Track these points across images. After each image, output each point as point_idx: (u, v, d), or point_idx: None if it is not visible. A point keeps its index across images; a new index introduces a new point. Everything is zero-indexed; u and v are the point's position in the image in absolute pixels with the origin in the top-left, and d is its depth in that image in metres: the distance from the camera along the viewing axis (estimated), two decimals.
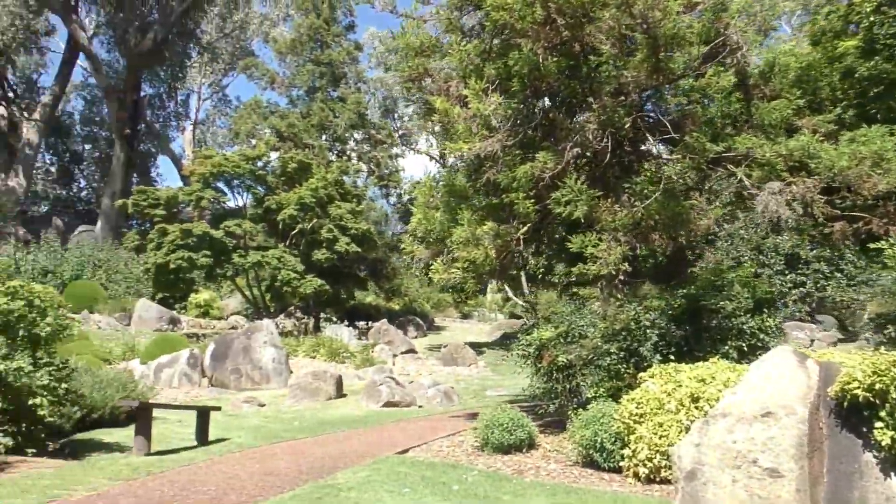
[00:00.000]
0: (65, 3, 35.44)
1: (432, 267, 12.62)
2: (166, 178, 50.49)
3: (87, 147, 51.05)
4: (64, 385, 8.98)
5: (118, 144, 37.45)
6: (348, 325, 23.13)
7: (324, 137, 32.72)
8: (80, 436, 10.23)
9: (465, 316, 37.77)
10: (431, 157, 45.28)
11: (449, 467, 8.75)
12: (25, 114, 38.73)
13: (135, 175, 41.94)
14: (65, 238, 35.30)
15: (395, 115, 42.84)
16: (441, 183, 12.98)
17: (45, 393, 8.52)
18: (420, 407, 15.66)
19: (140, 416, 9.43)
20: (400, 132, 40.47)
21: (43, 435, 8.83)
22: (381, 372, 18.82)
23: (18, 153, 37.46)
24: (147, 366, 17.90)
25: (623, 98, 10.98)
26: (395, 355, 22.60)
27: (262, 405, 15.01)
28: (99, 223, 36.78)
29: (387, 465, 8.65)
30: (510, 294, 28.32)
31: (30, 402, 8.37)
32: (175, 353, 18.35)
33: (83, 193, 52.40)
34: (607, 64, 10.79)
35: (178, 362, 17.98)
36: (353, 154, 34.82)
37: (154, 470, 8.24)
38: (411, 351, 23.65)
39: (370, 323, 23.65)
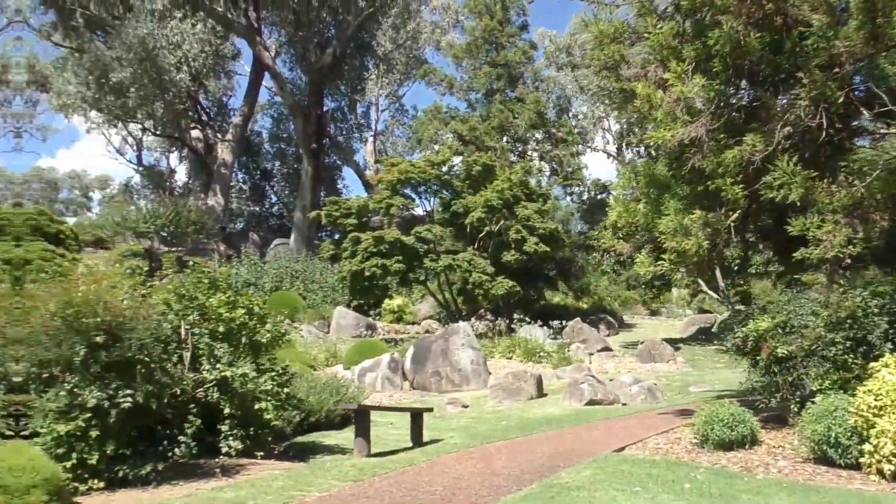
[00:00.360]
0: (249, 26, 37.40)
1: (637, 260, 12.07)
2: (352, 189, 52.33)
3: (276, 164, 53.87)
4: (286, 390, 9.08)
5: (305, 159, 39.10)
6: (541, 326, 22.64)
7: (504, 139, 32.59)
8: (300, 439, 10.46)
9: (654, 313, 36.54)
10: (609, 155, 44.13)
11: (672, 465, 8.36)
12: (219, 135, 41.28)
13: (322, 188, 43.63)
14: (262, 252, 37.21)
15: (570, 114, 42.13)
16: (640, 174, 12.29)
17: (269, 398, 8.62)
18: (624, 405, 15.10)
19: (359, 419, 9.46)
20: (576, 130, 39.69)
21: (270, 438, 8.97)
22: (579, 370, 18.27)
23: (215, 173, 39.97)
24: (351, 371, 18.24)
25: (836, 70, 9.89)
26: (590, 354, 21.94)
27: (466, 406, 14.89)
28: (292, 236, 38.50)
29: (608, 464, 8.31)
30: (704, 287, 26.88)
31: (256, 406, 8.48)
32: (376, 357, 18.62)
33: (275, 208, 55.38)
34: (815, 35, 9.74)
35: (380, 366, 18.19)
36: (535, 154, 34.45)
37: (378, 471, 8.20)
38: (606, 349, 22.92)
39: (564, 322, 23.03)
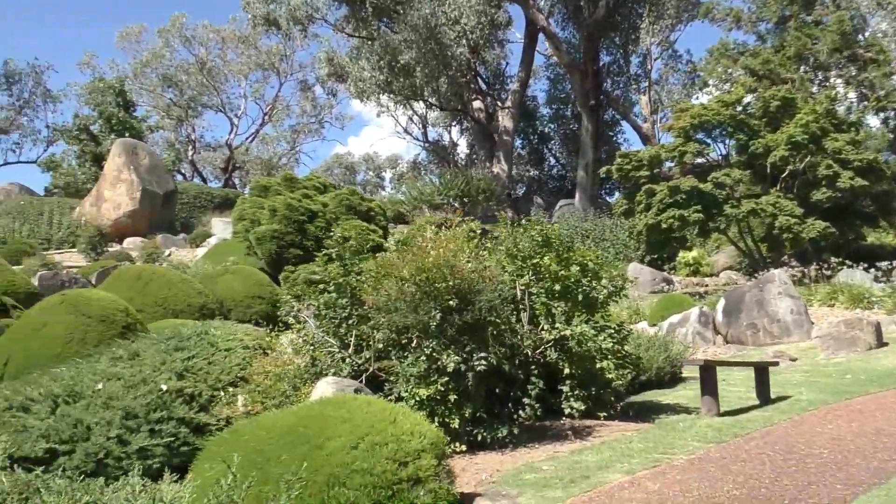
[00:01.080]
0: None
1: None
2: (632, 143, 50.95)
3: (553, 126, 54.10)
4: (626, 347, 8.97)
5: (585, 117, 38.78)
6: (866, 268, 20.48)
7: (802, 69, 29.82)
8: (634, 398, 10.24)
9: None
10: None
11: None
12: (499, 103, 42.21)
13: (602, 145, 43.11)
14: (549, 214, 37.60)
15: (865, 35, 37.51)
16: None
17: (609, 356, 8.55)
18: None
19: (705, 376, 8.97)
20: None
21: (612, 398, 8.90)
22: None
23: (497, 141, 40.98)
24: (657, 326, 17.81)
25: None
26: None
27: (794, 359, 13.85)
28: (577, 195, 38.48)
29: None
30: None
31: (598, 366, 8.45)
32: (683, 312, 18.00)
33: (554, 171, 55.72)
34: None
35: (689, 321, 17.56)
36: (839, 80, 31.17)
37: (738, 431, 7.71)
38: None
39: (893, 263, 20.62)
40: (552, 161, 55.88)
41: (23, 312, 15.51)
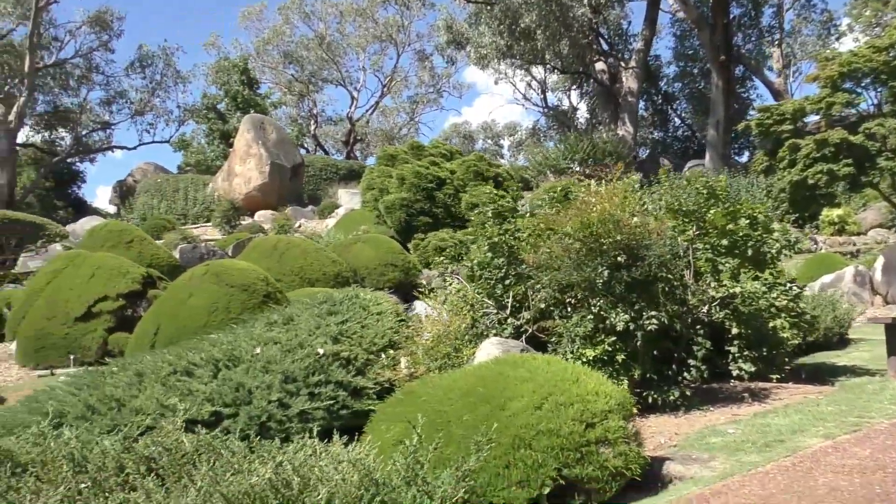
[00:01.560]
0: None
1: None
2: (764, 98, 48.13)
3: (678, 86, 51.98)
4: (801, 305, 8.26)
5: (714, 73, 36.89)
6: None
7: None
8: (804, 360, 9.54)
9: None
10: None
11: None
12: (622, 64, 40.78)
13: (733, 102, 41.01)
14: (677, 177, 36.15)
15: None
16: None
17: (782, 314, 7.89)
18: None
19: (891, 335, 8.17)
20: None
21: (787, 359, 8.23)
22: None
23: (621, 102, 39.66)
24: (808, 287, 16.72)
25: None
26: None
27: None
28: (707, 155, 36.77)
29: None
30: None
31: (770, 324, 7.82)
32: (836, 272, 16.83)
33: (679, 132, 53.63)
34: None
35: (843, 281, 16.39)
36: None
37: None
38: None
39: None
40: (677, 122, 53.79)
41: (169, 284, 16.04)
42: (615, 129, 39.29)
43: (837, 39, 36.62)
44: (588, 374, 5.13)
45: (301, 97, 56.40)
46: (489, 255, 7.99)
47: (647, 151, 52.04)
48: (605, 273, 6.88)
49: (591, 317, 6.89)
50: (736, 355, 7.83)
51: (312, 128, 56.92)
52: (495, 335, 7.29)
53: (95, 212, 38.49)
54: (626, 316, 6.74)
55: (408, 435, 4.68)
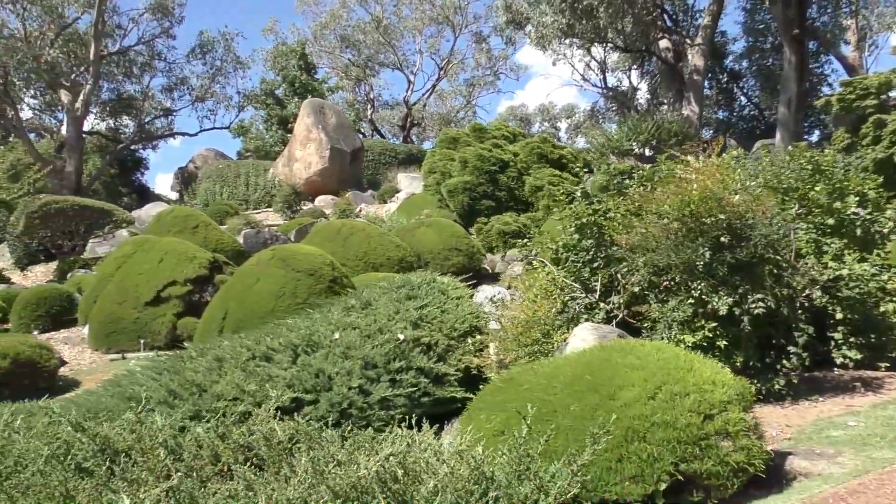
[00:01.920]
0: None
1: None
2: (839, 74, 46.19)
3: (745, 63, 50.39)
4: None
5: (787, 48, 35.48)
6: None
7: None
8: None
9: None
10: None
11: None
12: (688, 41, 39.59)
13: (806, 79, 39.52)
14: (746, 157, 35.03)
15: None
16: None
17: (892, 299, 7.33)
18: None
19: None
20: None
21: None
22: None
23: (687, 81, 38.54)
24: None
25: None
26: None
27: None
28: (777, 135, 35.50)
29: None
30: None
31: (880, 309, 7.28)
32: None
33: (745, 111, 52.07)
34: None
35: None
36: None
37: None
38: None
39: None
40: (743, 101, 52.17)
41: (235, 269, 16.04)
42: (679, 109, 38.23)
43: None
44: (702, 361, 4.74)
45: (358, 81, 56.33)
46: (576, 236, 7.60)
47: (712, 132, 50.64)
48: (708, 254, 6.42)
49: (691, 301, 6.42)
50: (840, 342, 7.28)
51: (369, 112, 56.84)
52: (586, 320, 6.92)
53: (158, 198, 38.98)
54: (730, 300, 6.27)
55: (510, 425, 4.36)
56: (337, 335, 7.31)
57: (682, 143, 32.80)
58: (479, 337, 7.07)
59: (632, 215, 7.20)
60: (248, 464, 3.87)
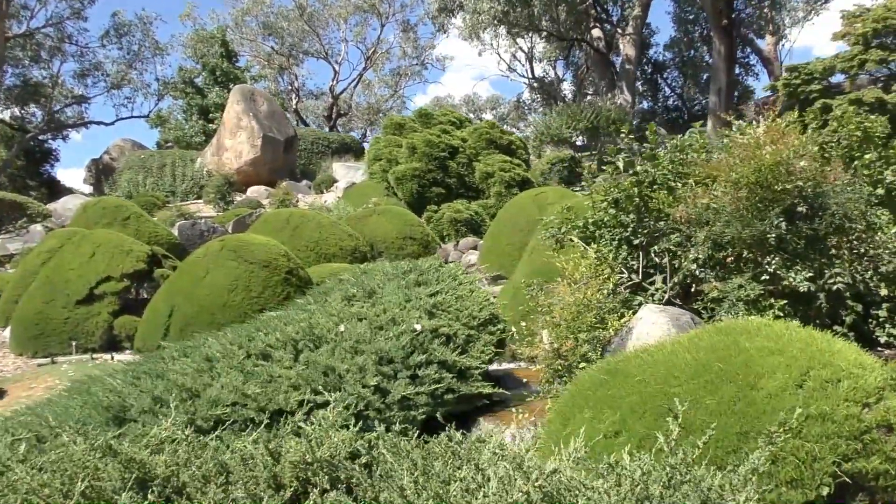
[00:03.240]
0: None
1: None
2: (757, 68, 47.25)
3: (669, 55, 51.03)
4: None
5: (716, 38, 35.90)
6: None
7: None
8: None
9: None
10: None
11: None
12: (619, 30, 39.71)
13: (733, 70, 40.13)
14: None
15: None
16: None
17: None
18: None
19: None
20: None
21: None
22: None
23: (619, 70, 38.65)
24: None
25: None
26: None
27: None
28: (709, 123, 35.93)
29: None
30: None
31: None
32: None
33: (669, 101, 52.75)
34: None
35: None
36: None
37: None
38: None
39: None
40: (667, 91, 52.85)
41: (176, 263, 14.86)
42: (611, 98, 38.26)
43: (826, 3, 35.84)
44: (839, 342, 4.04)
45: (281, 70, 54.58)
46: (612, 211, 6.86)
47: (637, 121, 51.07)
48: (783, 225, 5.77)
49: (765, 277, 5.76)
50: (883, 320, 6.81)
51: (294, 102, 55.17)
52: (638, 305, 6.20)
53: (70, 191, 36.64)
54: (807, 275, 5.64)
55: (629, 425, 3.59)
56: (342, 327, 6.40)
57: (619, 131, 32.82)
58: (522, 324, 6.29)
59: (696, 185, 6.51)
60: (333, 489, 2.98)
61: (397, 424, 6.14)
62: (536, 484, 2.71)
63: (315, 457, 3.02)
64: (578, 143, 34.29)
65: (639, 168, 6.89)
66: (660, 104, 52.89)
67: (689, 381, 3.69)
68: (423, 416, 6.07)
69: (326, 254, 16.24)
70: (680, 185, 6.62)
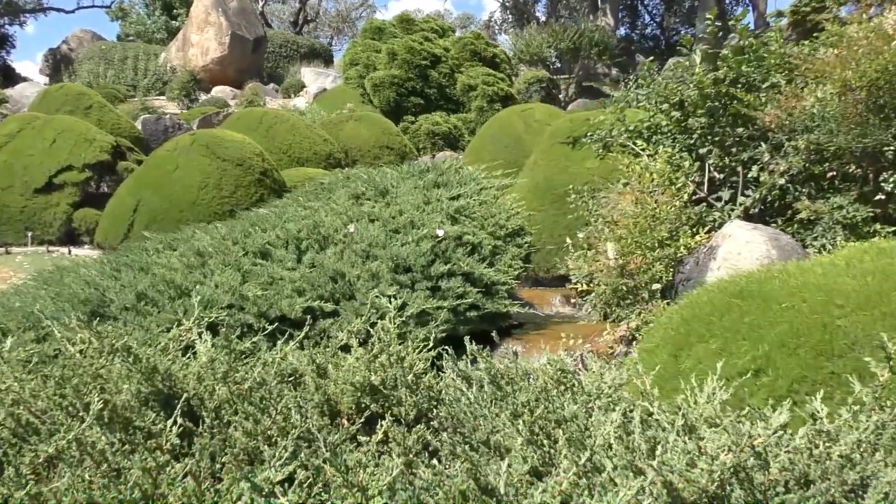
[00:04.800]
0: None
1: None
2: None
3: None
4: None
5: None
6: None
7: None
8: None
9: None
10: None
11: None
12: None
13: None
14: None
15: None
16: None
17: None
18: None
19: None
20: None
21: None
22: None
23: None
24: None
25: None
26: None
27: None
28: (697, 52, 35.19)
29: None
30: None
31: None
32: None
33: (647, 30, 51.55)
34: None
35: None
36: None
37: None
38: None
39: None
40: (647, 18, 51.55)
41: (143, 157, 13.98)
42: (594, 19, 37.10)
43: None
44: None
45: None
46: (675, 114, 6.07)
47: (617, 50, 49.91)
48: None
49: (881, 196, 5.05)
50: None
51: (260, 5, 52.62)
52: (712, 221, 5.48)
53: (26, 80, 34.47)
54: None
55: (774, 361, 2.92)
56: (352, 227, 5.64)
57: (603, 54, 31.77)
58: (579, 235, 5.57)
59: (798, 87, 5.76)
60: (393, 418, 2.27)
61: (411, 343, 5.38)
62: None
63: (388, 375, 2.29)
64: (555, 66, 33.27)
65: (728, 53, 6.05)
66: (637, 31, 51.67)
67: (858, 311, 3.00)
68: (444, 335, 5.38)
69: (300, 158, 15.38)
70: (784, 81, 5.87)
